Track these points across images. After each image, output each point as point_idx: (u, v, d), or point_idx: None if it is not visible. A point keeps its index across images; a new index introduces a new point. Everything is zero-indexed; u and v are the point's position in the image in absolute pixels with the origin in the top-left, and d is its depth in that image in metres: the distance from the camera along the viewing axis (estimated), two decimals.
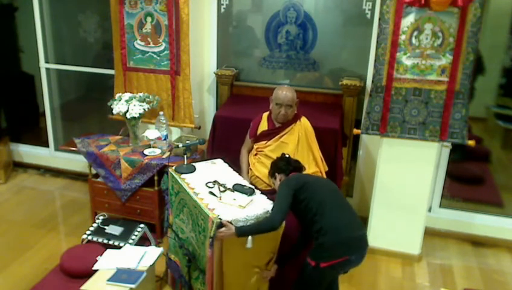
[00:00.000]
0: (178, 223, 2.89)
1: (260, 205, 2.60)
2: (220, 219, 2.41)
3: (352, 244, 2.43)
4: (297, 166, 2.75)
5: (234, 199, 2.61)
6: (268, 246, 2.62)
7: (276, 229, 2.41)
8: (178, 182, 2.83)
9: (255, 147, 3.31)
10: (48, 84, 4.74)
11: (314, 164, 3.18)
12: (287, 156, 2.84)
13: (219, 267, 2.51)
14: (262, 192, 2.81)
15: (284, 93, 3.13)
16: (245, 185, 2.79)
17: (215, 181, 2.79)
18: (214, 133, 3.64)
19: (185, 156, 2.94)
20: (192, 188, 2.72)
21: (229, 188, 2.73)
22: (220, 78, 3.92)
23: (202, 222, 2.54)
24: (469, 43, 2.96)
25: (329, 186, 2.62)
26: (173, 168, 2.96)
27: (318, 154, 3.19)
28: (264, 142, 3.25)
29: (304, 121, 3.23)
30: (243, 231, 2.40)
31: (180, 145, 2.98)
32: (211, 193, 2.68)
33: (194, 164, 3.02)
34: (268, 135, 3.24)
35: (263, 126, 3.29)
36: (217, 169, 3.04)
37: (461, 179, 4.04)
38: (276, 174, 2.74)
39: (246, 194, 2.69)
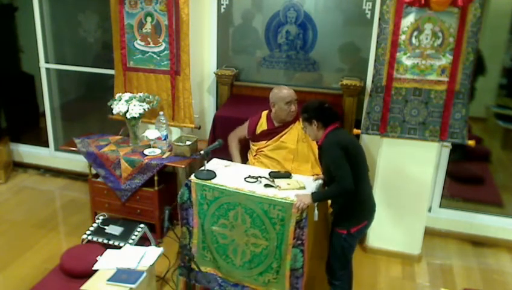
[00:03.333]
0: (217, 230, 2.81)
1: (306, 180, 2.81)
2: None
3: (372, 210, 2.71)
4: (336, 116, 2.65)
5: (288, 184, 2.71)
6: (324, 207, 3.04)
7: (353, 191, 2.49)
8: (216, 188, 2.73)
9: (255, 148, 3.31)
10: (48, 84, 4.74)
11: (316, 164, 3.18)
12: (326, 105, 2.66)
13: (310, 244, 2.73)
14: None
15: (287, 91, 3.19)
16: (279, 171, 2.90)
17: (250, 176, 2.80)
18: (214, 133, 3.65)
19: (205, 162, 2.85)
20: (242, 189, 2.68)
21: (268, 178, 2.78)
22: (220, 78, 3.92)
23: (280, 212, 2.59)
24: (469, 43, 2.96)
25: (363, 152, 2.67)
26: (193, 177, 2.81)
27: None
28: (264, 142, 3.25)
29: None
30: (319, 197, 2.58)
31: (202, 151, 2.86)
32: (267, 185, 2.71)
33: (203, 168, 2.93)
34: (269, 134, 3.25)
35: (263, 126, 3.29)
36: (234, 167, 3.00)
37: (461, 179, 4.04)
38: (314, 120, 2.60)
39: (288, 177, 2.80)
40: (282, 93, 3.18)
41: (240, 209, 2.70)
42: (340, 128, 2.66)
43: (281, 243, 2.65)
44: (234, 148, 3.37)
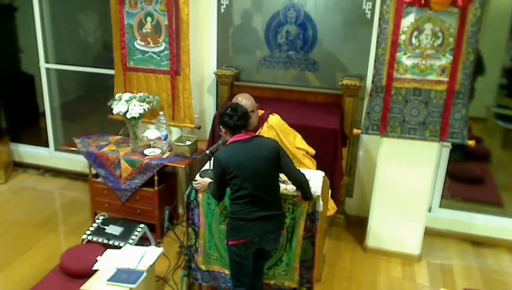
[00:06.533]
0: (225, 228, 2.78)
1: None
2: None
3: (253, 232, 2.51)
4: (239, 127, 2.45)
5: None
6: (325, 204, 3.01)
7: (219, 200, 2.64)
8: None
9: None
10: (48, 84, 4.74)
11: (301, 153, 3.17)
12: (229, 111, 2.48)
13: (321, 236, 2.90)
14: None
15: (240, 101, 3.05)
16: None
17: None
18: (214, 133, 3.64)
19: (210, 162, 2.83)
20: None
21: None
22: (220, 78, 3.92)
23: (291, 206, 2.71)
24: (469, 43, 2.96)
25: (255, 173, 2.41)
26: (198, 177, 2.82)
27: (300, 141, 3.18)
28: None
29: (272, 119, 3.13)
30: (210, 189, 2.61)
31: (208, 151, 2.83)
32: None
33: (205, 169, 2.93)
34: None
35: None
36: None
37: (461, 179, 4.04)
38: (221, 126, 2.51)
39: None
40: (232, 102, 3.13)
41: None
42: (246, 140, 2.45)
43: (292, 237, 2.75)
44: None
